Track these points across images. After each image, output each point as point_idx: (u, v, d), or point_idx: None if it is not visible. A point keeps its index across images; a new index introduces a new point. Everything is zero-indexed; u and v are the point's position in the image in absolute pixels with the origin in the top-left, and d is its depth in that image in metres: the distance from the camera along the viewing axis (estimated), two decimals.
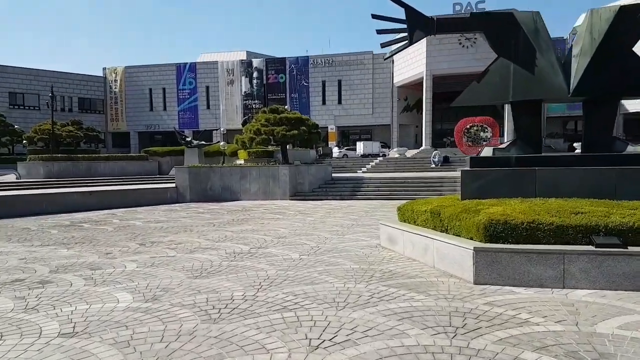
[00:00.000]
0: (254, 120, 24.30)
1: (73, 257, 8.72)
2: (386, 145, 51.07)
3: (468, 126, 38.50)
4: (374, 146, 45.76)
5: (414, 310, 5.06)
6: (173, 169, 25.40)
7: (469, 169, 7.85)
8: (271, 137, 22.01)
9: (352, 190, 21.61)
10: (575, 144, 36.21)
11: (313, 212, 15.85)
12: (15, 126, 42.76)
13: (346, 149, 46.96)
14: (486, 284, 6.07)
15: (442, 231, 7.30)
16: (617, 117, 46.69)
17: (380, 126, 55.63)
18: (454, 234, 6.97)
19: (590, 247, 5.62)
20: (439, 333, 4.36)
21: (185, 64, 60.59)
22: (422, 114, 51.78)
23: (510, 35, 8.04)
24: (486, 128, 37.98)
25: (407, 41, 8.68)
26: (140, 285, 6.47)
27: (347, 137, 59.03)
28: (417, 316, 4.85)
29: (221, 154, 30.78)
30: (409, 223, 8.41)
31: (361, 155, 42.59)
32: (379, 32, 9.02)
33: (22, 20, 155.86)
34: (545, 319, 4.64)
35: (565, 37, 49.39)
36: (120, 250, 9.38)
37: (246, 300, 5.65)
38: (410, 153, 36.80)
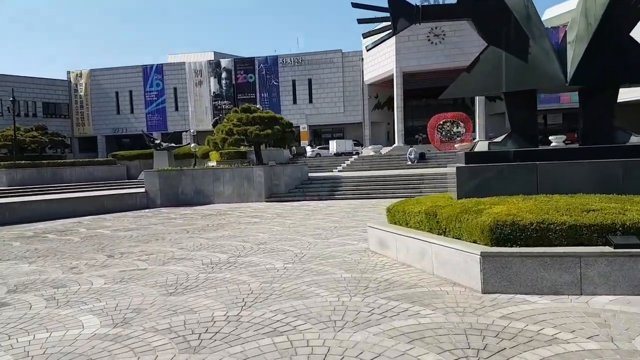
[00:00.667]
0: (225, 120, 23.31)
1: (35, 273, 7.81)
2: (359, 143, 50.87)
3: (441, 122, 38.62)
4: (347, 144, 45.44)
5: (424, 329, 4.44)
6: (142, 173, 24.12)
7: (463, 165, 7.32)
8: (244, 137, 21.09)
9: (330, 190, 20.99)
10: (551, 137, 36.80)
11: (292, 215, 15.12)
12: None
13: (319, 148, 46.50)
14: (496, 293, 5.52)
15: (439, 234, 6.74)
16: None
17: (352, 124, 55.41)
18: (453, 237, 6.41)
19: (608, 248, 5.14)
20: (459, 358, 3.74)
21: (152, 65, 58.81)
22: (393, 111, 51.91)
23: (501, 22, 7.57)
24: (459, 123, 38.17)
25: (390, 31, 8.12)
26: (108, 305, 5.66)
27: (319, 136, 58.58)
28: (428, 336, 4.23)
29: (192, 156, 29.59)
30: (401, 225, 7.82)
31: (334, 154, 42.18)
32: (360, 21, 8.43)
33: None
34: (574, 335, 4.10)
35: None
36: (87, 263, 8.46)
37: (229, 321, 4.91)
38: (385, 150, 36.54)
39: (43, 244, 11.14)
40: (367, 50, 8.66)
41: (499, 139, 7.78)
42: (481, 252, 5.57)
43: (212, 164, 26.38)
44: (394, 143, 46.44)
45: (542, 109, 49.99)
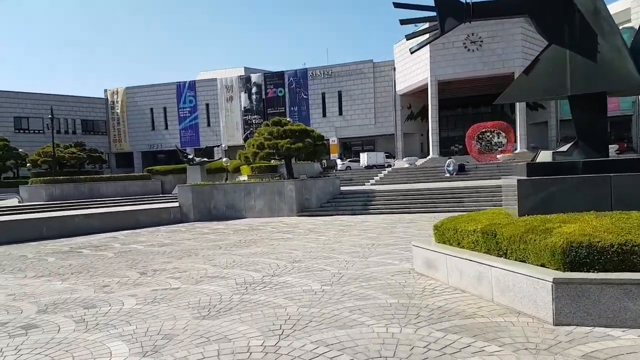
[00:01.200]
0: (256, 134, 23.12)
1: (66, 291, 7.54)
2: (391, 155, 49.78)
3: (481, 132, 37.21)
4: (379, 157, 44.37)
5: None
6: (176, 187, 24.17)
7: (525, 177, 6.55)
8: (275, 151, 20.78)
9: (363, 204, 20.29)
10: (542, 152, 34.73)
11: (325, 230, 14.53)
12: (20, 150, 42.20)
13: (349, 161, 45.74)
14: (570, 325, 4.75)
15: (499, 255, 6.00)
16: (637, 117, 45.57)
17: (383, 136, 54.48)
18: (516, 260, 5.67)
19: None
20: None
21: (185, 82, 60.24)
22: (426, 122, 50.49)
23: (564, 17, 6.83)
24: (500, 133, 36.64)
25: (436, 31, 7.49)
26: (138, 330, 5.24)
27: (349, 148, 57.94)
28: None
29: (223, 171, 29.59)
30: (451, 245, 7.09)
31: (365, 167, 41.28)
32: (403, 22, 7.84)
33: (16, 42, 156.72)
34: None
35: None
36: (119, 281, 8.14)
37: (266, 352, 4.37)
38: (419, 162, 35.46)
39: (77, 260, 11.00)
40: (411, 53, 8.05)
41: (563, 148, 6.98)
42: (554, 279, 4.82)
43: (243, 178, 26.22)
44: (428, 155, 45.12)
45: None
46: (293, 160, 28.10)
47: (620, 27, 39.97)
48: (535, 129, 46.89)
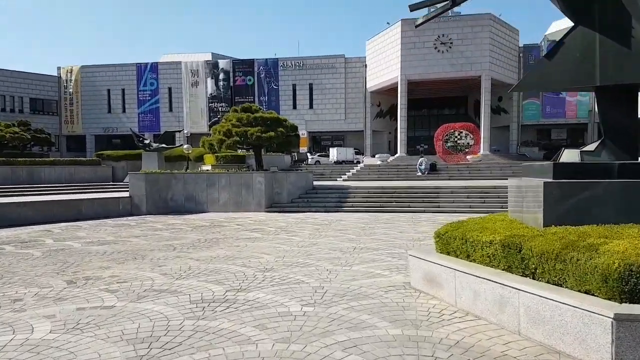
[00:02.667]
0: (223, 120, 21.35)
1: None
2: (360, 152, 49.21)
3: (449, 133, 36.93)
4: (348, 152, 43.74)
5: None
6: (128, 175, 22.06)
7: (552, 180, 5.41)
8: (244, 140, 19.11)
9: (337, 201, 19.02)
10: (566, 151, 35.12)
11: (298, 229, 13.13)
12: None
13: (318, 155, 44.74)
14: None
15: (524, 275, 4.85)
16: (592, 125, 46.93)
17: (353, 132, 53.76)
18: (548, 282, 4.52)
19: None
20: None
21: (147, 64, 57.04)
22: (395, 120, 50.34)
23: None
24: (467, 134, 36.48)
25: (446, 2, 6.27)
26: None
27: (319, 142, 56.85)
28: None
29: (184, 159, 27.53)
30: (458, 257, 5.89)
31: (334, 162, 40.45)
32: (412, 8, 6.60)
33: None
34: None
35: (539, 44, 49.20)
36: (38, 294, 6.43)
37: None
38: (382, 160, 34.64)
39: None
40: (416, 27, 6.77)
41: (590, 147, 5.90)
42: (615, 314, 3.68)
43: (207, 168, 24.37)
44: (396, 153, 44.88)
45: (547, 123, 48.89)
46: (263, 151, 26.53)
47: None
48: (497, 133, 47.61)
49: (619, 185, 5.23)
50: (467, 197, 18.29)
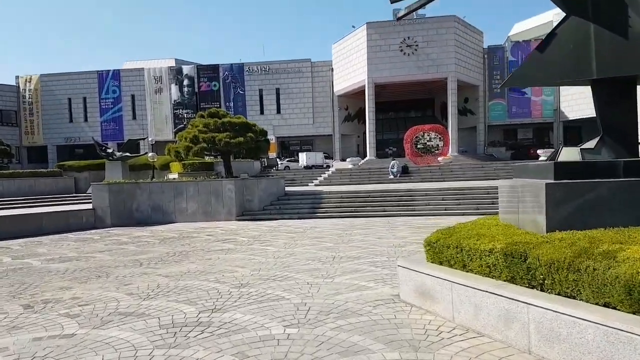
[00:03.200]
0: (189, 126, 20.41)
1: None
2: (329, 156, 48.96)
3: (418, 135, 37.08)
4: (318, 157, 43.39)
5: None
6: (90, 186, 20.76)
7: (553, 181, 5.05)
8: (212, 146, 18.26)
9: (311, 207, 18.45)
10: (539, 151, 35.73)
11: (272, 238, 12.48)
12: None
13: (287, 161, 44.16)
14: None
15: (530, 286, 4.46)
16: (557, 124, 48.43)
17: (321, 136, 53.47)
18: (559, 294, 4.13)
19: None
20: None
21: (108, 71, 55.11)
22: (363, 123, 50.45)
23: None
24: (436, 136, 36.72)
25: None
26: None
27: (287, 148, 56.24)
28: None
29: (150, 168, 26.32)
30: (453, 267, 5.45)
31: (304, 167, 39.96)
32: (393, 0, 6.17)
33: None
34: None
35: (503, 45, 50.35)
36: None
37: None
38: (353, 164, 34.37)
39: None
40: (397, 20, 6.38)
41: (589, 145, 5.60)
42: None
43: (173, 176, 23.30)
44: (365, 156, 44.85)
45: (513, 123, 50.07)
46: (232, 158, 25.66)
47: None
48: (464, 134, 48.44)
49: (626, 185, 4.92)
50: (442, 199, 18.12)
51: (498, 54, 49.19)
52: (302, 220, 17.04)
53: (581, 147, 5.55)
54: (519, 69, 6.01)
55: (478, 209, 16.83)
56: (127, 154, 24.28)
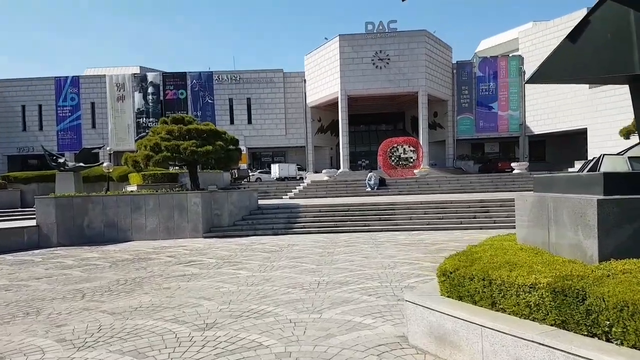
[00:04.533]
0: (150, 133, 18.75)
1: None
2: (302, 167, 47.93)
3: (392, 147, 36.49)
4: (290, 169, 42.25)
5: None
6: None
7: (606, 197, 4.00)
8: (176, 155, 16.68)
9: (287, 222, 17.08)
10: (513, 164, 35.76)
11: (245, 260, 11.05)
12: None
13: (259, 172, 42.79)
14: None
15: (590, 335, 3.37)
16: (523, 138, 49.22)
17: (294, 148, 52.44)
18: (635, 347, 3.05)
19: None
20: None
21: (67, 77, 52.28)
22: (336, 135, 49.89)
23: None
24: (410, 149, 36.25)
25: None
26: None
27: (259, 159, 54.83)
28: None
29: (108, 180, 24.27)
30: (478, 304, 4.31)
31: (277, 179, 38.70)
32: None
33: None
34: None
35: (471, 61, 50.97)
36: None
37: None
38: (329, 176, 33.37)
39: None
40: (403, 0, 5.14)
41: (636, 152, 4.62)
42: None
43: (133, 188, 21.43)
44: (339, 168, 44.15)
45: (480, 137, 50.55)
46: (199, 169, 24.00)
47: (510, 55, 42.56)
48: (434, 147, 48.69)
49: None
50: (424, 214, 17.18)
51: (466, 69, 49.82)
52: (278, 236, 15.65)
53: (628, 155, 4.55)
54: (545, 62, 5.01)
55: (462, 223, 15.99)
56: (81, 164, 22.23)
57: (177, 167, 23.19)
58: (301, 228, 16.34)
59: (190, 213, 16.37)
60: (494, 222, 15.73)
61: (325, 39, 47.77)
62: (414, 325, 4.77)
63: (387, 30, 45.37)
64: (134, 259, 12.00)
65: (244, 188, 22.82)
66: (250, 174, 40.54)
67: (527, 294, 3.83)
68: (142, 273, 9.79)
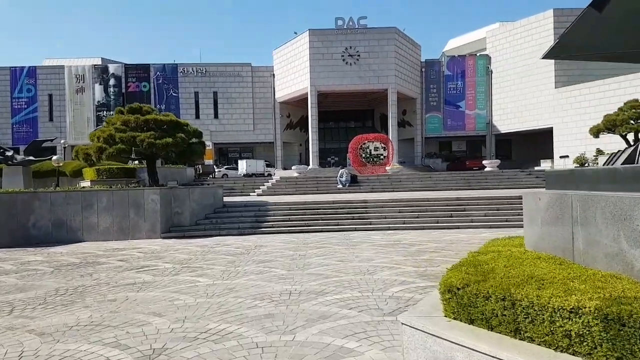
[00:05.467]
0: (104, 123, 17.16)
1: None
2: (270, 164, 46.78)
3: (363, 144, 35.85)
4: (259, 165, 41.04)
5: None
6: None
7: None
8: (131, 147, 15.21)
9: (254, 221, 15.94)
10: (485, 162, 35.72)
11: (206, 264, 9.89)
12: None
13: (226, 168, 41.37)
14: None
15: None
16: (490, 137, 49.76)
17: (262, 144, 51.20)
18: None
19: None
20: None
21: (22, 67, 49.09)
22: (305, 132, 49.02)
23: None
24: (381, 145, 35.72)
25: None
26: None
27: (226, 155, 53.21)
28: None
29: (61, 174, 22.32)
30: (497, 330, 3.43)
31: (244, 175, 37.44)
32: None
33: None
34: None
35: (440, 59, 51.13)
36: None
37: None
38: (299, 172, 32.37)
39: None
40: None
41: None
42: None
43: (86, 184, 19.72)
44: (309, 165, 43.30)
45: (448, 136, 50.80)
46: (160, 163, 22.47)
47: (477, 54, 42.92)
48: (402, 145, 48.70)
49: None
50: (399, 212, 16.46)
51: (435, 68, 49.98)
52: (244, 237, 14.48)
53: None
54: (567, 32, 4.20)
55: (438, 222, 15.35)
56: (31, 157, 20.30)
57: (136, 162, 21.58)
58: (270, 227, 15.25)
59: (148, 211, 14.98)
60: (472, 221, 15.17)
61: (295, 33, 46.84)
62: (413, 355, 3.85)
63: (357, 27, 44.95)
64: (80, 263, 10.60)
65: (209, 184, 21.46)
66: (216, 170, 39.01)
67: (566, 321, 2.97)
68: (86, 280, 8.48)
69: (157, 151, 15.31)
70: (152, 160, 16.76)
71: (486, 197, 17.14)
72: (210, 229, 15.38)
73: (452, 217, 15.84)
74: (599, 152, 30.52)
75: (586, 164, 30.80)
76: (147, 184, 16.93)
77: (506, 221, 14.68)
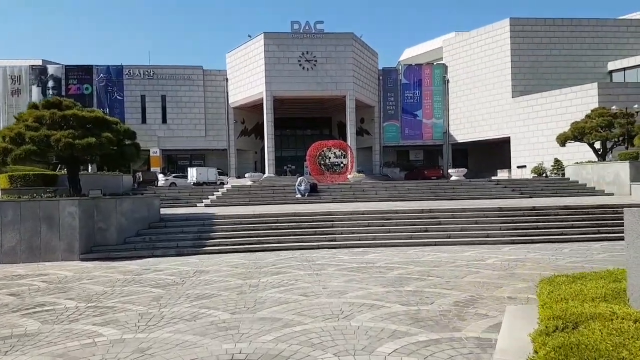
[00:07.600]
0: (15, 120, 14.15)
1: None
2: (223, 172, 44.04)
3: (321, 151, 33.98)
4: (210, 173, 38.26)
5: None
6: None
7: None
8: (45, 149, 12.32)
9: (196, 238, 13.40)
10: (450, 171, 34.72)
11: (121, 303, 7.35)
12: None
13: (174, 176, 38.27)
14: None
15: None
16: (447, 146, 49.48)
17: (215, 150, 48.38)
18: None
19: None
20: None
21: None
22: (261, 139, 46.90)
23: None
24: (341, 153, 33.99)
25: None
26: None
27: (175, 162, 49.87)
28: None
29: None
30: None
31: (194, 184, 34.56)
32: None
33: None
34: None
35: (396, 68, 50.76)
36: None
37: None
38: (254, 181, 30.01)
39: None
40: None
41: None
42: None
43: None
44: (264, 173, 40.99)
45: (405, 144, 50.15)
46: (91, 169, 19.41)
47: (434, 63, 42.67)
48: (361, 154, 47.69)
49: None
50: (368, 225, 14.51)
51: (392, 76, 49.49)
52: (183, 258, 11.91)
53: None
54: None
55: (412, 238, 13.54)
56: None
57: (61, 168, 18.43)
58: (215, 246, 12.77)
59: (64, 227, 12.13)
60: (449, 237, 13.47)
61: (249, 36, 44.82)
62: None
63: (313, 31, 43.58)
64: None
65: (150, 195, 18.65)
66: (162, 178, 35.78)
67: None
68: None
69: (79, 154, 12.53)
70: (73, 164, 13.87)
71: (460, 209, 15.60)
72: (142, 248, 12.67)
73: (427, 231, 14.08)
74: (557, 162, 30.30)
75: (543, 174, 30.51)
76: (68, 194, 14.01)
77: (487, 236, 13.11)
